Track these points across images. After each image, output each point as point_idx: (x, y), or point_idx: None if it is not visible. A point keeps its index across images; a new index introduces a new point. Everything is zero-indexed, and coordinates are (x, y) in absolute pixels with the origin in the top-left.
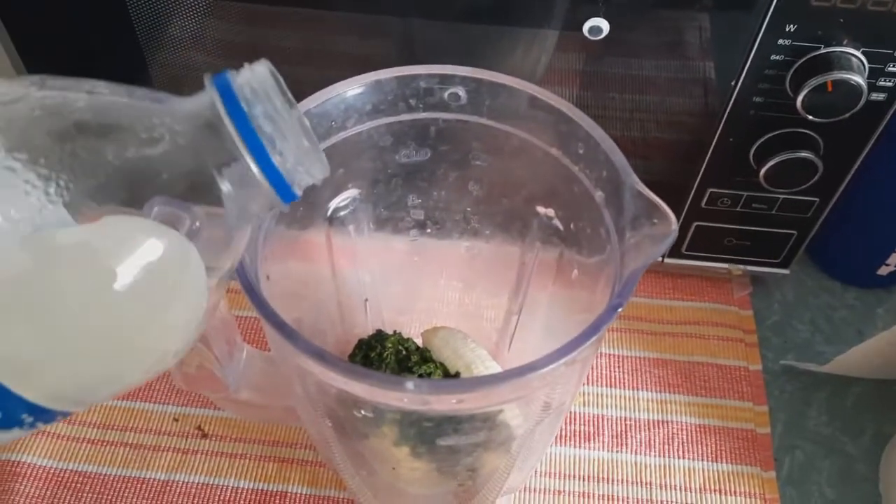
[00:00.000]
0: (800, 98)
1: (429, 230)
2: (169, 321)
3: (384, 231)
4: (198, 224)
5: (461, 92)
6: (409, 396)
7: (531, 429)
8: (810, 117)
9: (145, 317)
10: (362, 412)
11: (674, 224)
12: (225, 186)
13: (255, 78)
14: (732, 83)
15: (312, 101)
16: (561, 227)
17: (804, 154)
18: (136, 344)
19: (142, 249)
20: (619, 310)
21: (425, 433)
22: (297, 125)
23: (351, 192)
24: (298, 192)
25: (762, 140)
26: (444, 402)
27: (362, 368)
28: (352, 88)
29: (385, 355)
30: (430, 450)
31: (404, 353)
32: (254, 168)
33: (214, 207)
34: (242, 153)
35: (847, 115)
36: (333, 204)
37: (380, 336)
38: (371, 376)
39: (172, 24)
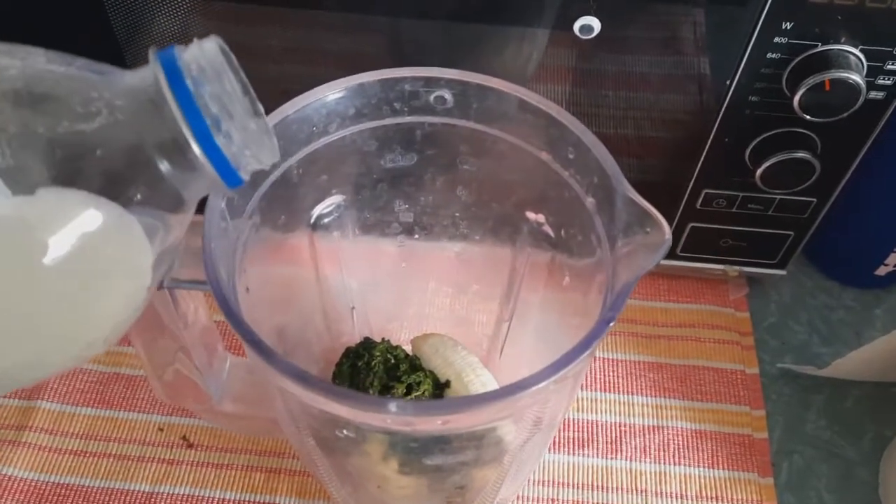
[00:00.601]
0: (797, 97)
1: (416, 236)
2: (105, 301)
3: (371, 237)
4: (139, 196)
5: (447, 95)
6: (392, 418)
7: (522, 444)
8: (808, 117)
9: (79, 295)
10: (345, 432)
11: (667, 233)
12: (164, 167)
13: (204, 55)
14: (728, 82)
15: (292, 107)
16: (552, 233)
17: (801, 154)
18: (68, 325)
19: (77, 223)
20: (611, 324)
21: (411, 453)
22: (246, 106)
23: (335, 199)
24: (245, 176)
25: (758, 140)
26: (428, 424)
27: (343, 389)
28: (333, 92)
29: (373, 364)
30: (417, 468)
31: (393, 361)
32: (196, 150)
33: (153, 187)
34: (185, 134)
35: (845, 114)
36: (317, 211)
37: (368, 344)
38: (352, 398)
39: (154, 23)
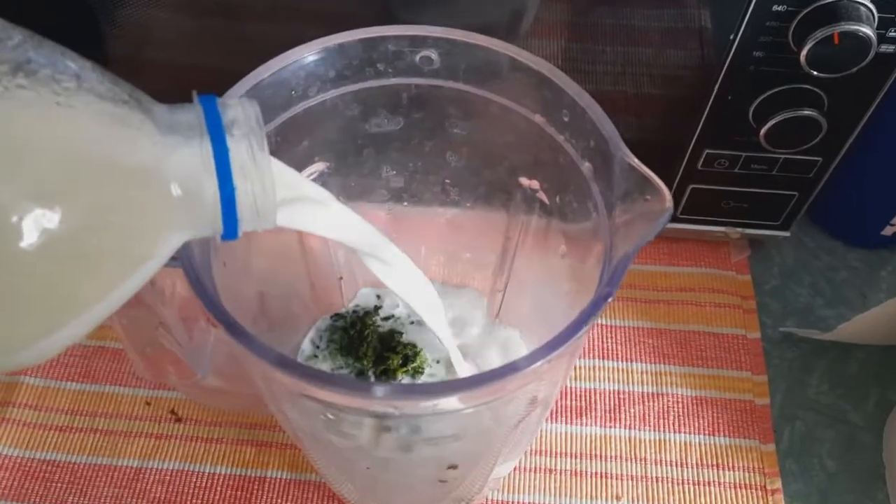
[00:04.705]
0: (804, 52)
1: (405, 203)
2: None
3: (357, 204)
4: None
5: (434, 55)
6: (378, 402)
7: (517, 423)
8: (815, 73)
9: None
10: (329, 416)
11: (668, 201)
12: (175, 191)
13: (245, 116)
14: (731, 37)
15: (267, 70)
16: (546, 200)
17: (807, 112)
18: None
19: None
20: (609, 300)
21: (399, 435)
22: (265, 166)
23: (317, 166)
24: (240, 234)
25: (762, 97)
26: (415, 408)
27: (327, 374)
28: (311, 54)
29: (366, 334)
30: (407, 449)
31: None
32: (214, 197)
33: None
34: (212, 181)
35: (854, 69)
36: None
37: (363, 314)
38: (336, 382)
39: None
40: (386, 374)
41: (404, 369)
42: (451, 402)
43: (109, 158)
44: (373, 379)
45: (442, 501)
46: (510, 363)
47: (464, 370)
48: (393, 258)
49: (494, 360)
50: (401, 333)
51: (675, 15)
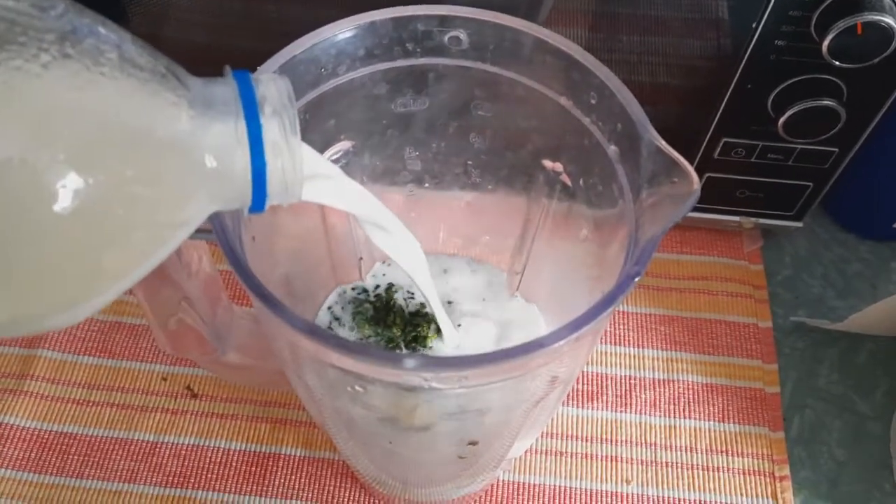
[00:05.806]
0: (826, 42)
1: (427, 184)
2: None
3: (379, 185)
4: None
5: (463, 35)
6: (407, 374)
7: (537, 402)
8: (836, 62)
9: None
10: (357, 388)
11: (696, 184)
12: (210, 163)
13: (278, 93)
14: (753, 25)
15: (299, 46)
16: (570, 183)
17: (826, 102)
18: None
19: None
20: (637, 279)
21: (424, 408)
22: (298, 149)
23: (343, 145)
24: (266, 207)
25: (782, 87)
26: (445, 380)
27: (357, 344)
28: (343, 31)
29: (391, 304)
30: (430, 424)
31: (414, 300)
32: (246, 172)
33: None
34: (244, 154)
35: (876, 59)
36: (325, 157)
37: (387, 286)
38: (366, 352)
39: None
40: (416, 341)
41: (436, 336)
42: (478, 376)
43: (148, 130)
44: (403, 346)
45: (457, 478)
46: (536, 339)
47: (454, 340)
48: (391, 226)
49: (512, 334)
50: (424, 304)
51: (695, 3)
